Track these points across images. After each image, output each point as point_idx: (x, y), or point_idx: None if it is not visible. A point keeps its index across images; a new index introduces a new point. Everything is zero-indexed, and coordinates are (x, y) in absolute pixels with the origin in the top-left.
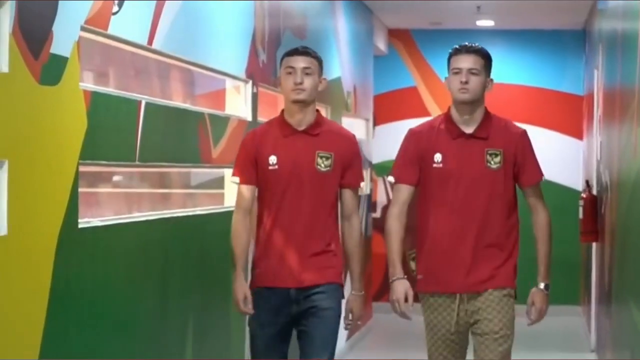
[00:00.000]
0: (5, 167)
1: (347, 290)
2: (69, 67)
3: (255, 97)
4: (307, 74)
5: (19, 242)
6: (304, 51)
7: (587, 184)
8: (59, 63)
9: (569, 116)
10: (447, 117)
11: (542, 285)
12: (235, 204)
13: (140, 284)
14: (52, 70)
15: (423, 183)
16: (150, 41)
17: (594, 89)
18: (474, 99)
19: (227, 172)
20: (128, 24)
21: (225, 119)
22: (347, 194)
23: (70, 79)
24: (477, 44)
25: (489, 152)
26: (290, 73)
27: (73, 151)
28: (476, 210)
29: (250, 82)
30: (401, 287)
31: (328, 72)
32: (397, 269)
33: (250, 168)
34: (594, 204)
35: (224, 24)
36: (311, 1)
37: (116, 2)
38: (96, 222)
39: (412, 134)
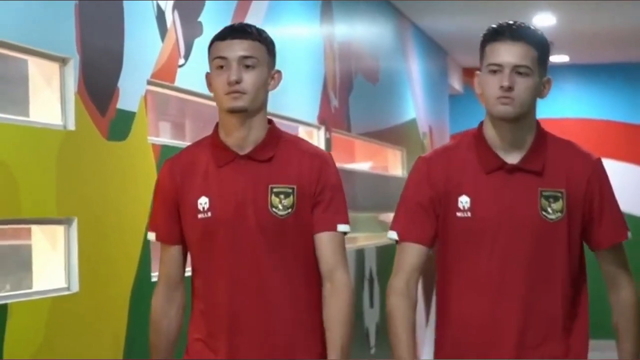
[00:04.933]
0: (75, 224)
1: None
2: (136, 121)
3: (328, 143)
4: (247, 66)
5: (92, 298)
6: (241, 31)
7: None
8: (126, 118)
9: None
10: (479, 140)
11: None
12: (158, 274)
13: None
14: (119, 126)
15: (442, 241)
16: None
17: None
18: (520, 113)
19: None
20: (195, 75)
21: None
22: (323, 242)
23: (138, 133)
24: (525, 24)
25: (545, 193)
26: (222, 67)
27: (144, 205)
28: (523, 284)
29: (323, 127)
30: None
31: (403, 113)
32: None
33: (171, 219)
34: None
35: (294, 70)
36: (383, 43)
37: (182, 55)
38: None
39: (423, 166)
